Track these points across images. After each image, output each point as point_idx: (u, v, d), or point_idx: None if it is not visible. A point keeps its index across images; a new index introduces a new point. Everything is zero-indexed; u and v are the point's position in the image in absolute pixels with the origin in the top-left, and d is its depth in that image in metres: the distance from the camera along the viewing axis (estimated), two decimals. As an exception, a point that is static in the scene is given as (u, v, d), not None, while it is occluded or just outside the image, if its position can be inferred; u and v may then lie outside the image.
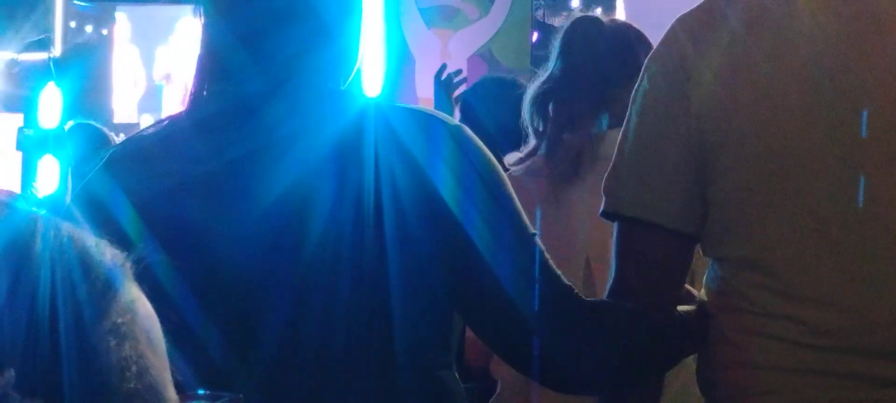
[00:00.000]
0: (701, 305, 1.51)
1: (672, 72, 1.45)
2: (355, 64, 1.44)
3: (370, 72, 7.39)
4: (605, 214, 1.51)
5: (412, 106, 1.42)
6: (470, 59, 7.47)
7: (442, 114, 1.41)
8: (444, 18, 7.52)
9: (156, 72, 9.90)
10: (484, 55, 7.49)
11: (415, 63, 7.45)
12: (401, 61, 7.42)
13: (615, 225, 1.51)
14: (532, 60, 7.57)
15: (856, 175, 1.34)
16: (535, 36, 8.17)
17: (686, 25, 1.48)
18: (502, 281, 1.34)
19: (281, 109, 1.34)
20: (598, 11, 11.34)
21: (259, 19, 1.36)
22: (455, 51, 7.49)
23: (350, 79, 1.44)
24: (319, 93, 1.38)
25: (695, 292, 1.54)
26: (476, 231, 1.32)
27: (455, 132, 1.37)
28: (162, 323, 0.67)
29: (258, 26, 1.36)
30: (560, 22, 11.21)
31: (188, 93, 1.40)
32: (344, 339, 1.30)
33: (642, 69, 1.50)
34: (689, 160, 1.43)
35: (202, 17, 1.39)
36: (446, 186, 1.32)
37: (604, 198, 1.51)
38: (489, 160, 1.38)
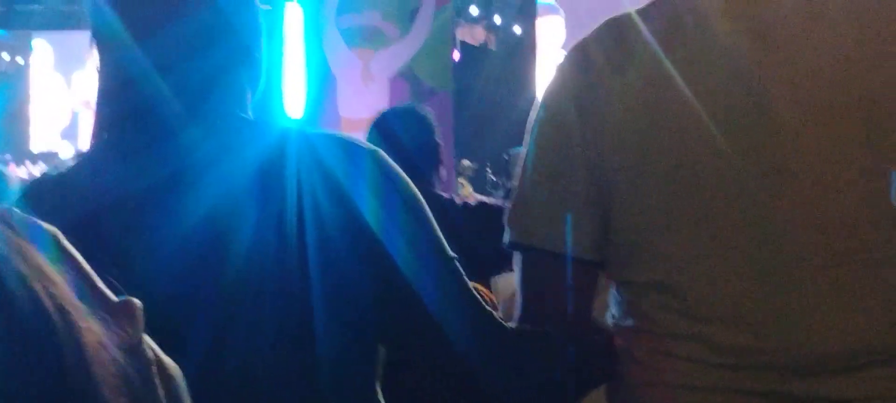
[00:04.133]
0: (610, 330, 1.51)
1: (569, 99, 1.45)
2: (264, 84, 1.44)
3: (292, 92, 7.37)
4: (510, 245, 1.50)
5: (330, 131, 1.41)
6: (392, 79, 7.49)
7: (360, 140, 1.41)
8: (365, 39, 7.52)
9: (73, 99, 9.78)
10: (406, 74, 7.50)
11: (336, 83, 7.44)
12: (322, 81, 7.41)
13: (519, 255, 1.50)
14: (453, 79, 7.61)
15: (758, 195, 1.35)
16: (456, 55, 8.22)
17: (583, 49, 1.48)
18: (428, 305, 1.34)
19: (200, 131, 1.33)
20: (517, 30, 11.45)
21: (177, 42, 1.35)
22: (376, 70, 7.50)
23: (261, 99, 1.44)
24: (237, 114, 1.38)
25: (601, 320, 1.54)
26: (400, 254, 1.32)
27: (375, 156, 1.38)
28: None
29: (176, 49, 1.35)
30: (478, 40, 11.25)
31: (100, 120, 1.38)
32: (267, 363, 1.29)
33: (542, 99, 1.50)
34: (590, 187, 1.43)
35: (107, 44, 1.37)
36: (369, 209, 1.32)
37: (507, 230, 1.50)
38: (409, 184, 1.39)
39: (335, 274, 1.30)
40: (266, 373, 1.29)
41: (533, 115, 1.50)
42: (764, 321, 1.36)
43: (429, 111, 3.47)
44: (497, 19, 11.07)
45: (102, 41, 1.37)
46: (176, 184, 1.31)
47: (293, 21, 7.48)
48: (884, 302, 1.35)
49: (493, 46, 11.33)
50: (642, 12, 1.47)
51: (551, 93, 1.49)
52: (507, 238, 1.50)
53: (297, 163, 1.32)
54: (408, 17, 7.52)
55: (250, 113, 1.42)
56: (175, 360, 1.28)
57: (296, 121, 7.29)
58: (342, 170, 1.33)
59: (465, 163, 9.68)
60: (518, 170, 1.52)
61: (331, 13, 7.51)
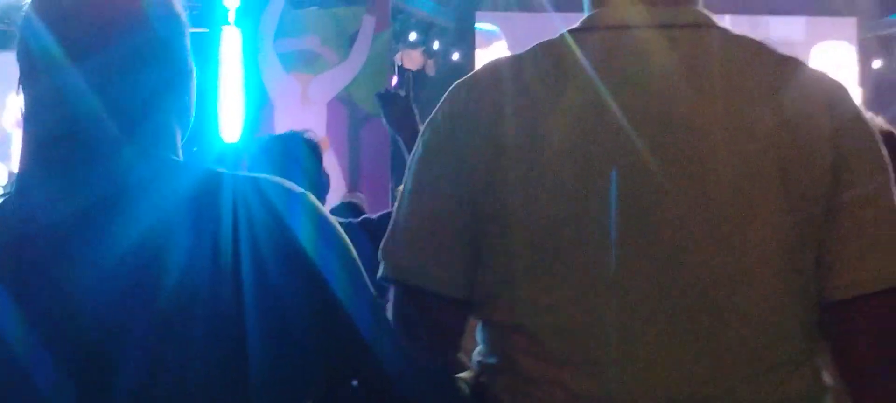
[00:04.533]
0: (475, 369, 1.53)
1: (445, 140, 1.48)
2: (196, 109, 1.45)
3: (228, 116, 7.32)
4: (383, 279, 1.51)
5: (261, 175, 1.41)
6: (329, 104, 7.48)
7: (291, 183, 1.41)
8: (303, 63, 7.51)
9: (6, 119, 9.63)
10: (343, 99, 7.50)
11: (274, 107, 7.41)
12: (259, 105, 7.38)
13: (392, 290, 1.51)
14: (391, 104, 7.61)
15: (614, 248, 1.38)
16: (394, 80, 8.22)
17: (460, 91, 1.51)
18: (356, 339, 1.35)
19: (132, 156, 1.33)
20: (455, 56, 11.48)
21: (111, 66, 1.34)
22: (314, 95, 7.49)
23: (197, 123, 1.44)
24: (169, 142, 1.37)
25: (465, 359, 1.56)
26: (328, 290, 1.33)
27: (304, 198, 1.38)
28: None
29: (110, 72, 1.34)
30: (416, 65, 11.28)
31: (30, 142, 1.36)
32: (198, 396, 1.29)
33: (419, 135, 1.53)
34: (464, 228, 1.45)
35: (40, 65, 1.35)
36: (298, 246, 1.33)
37: (381, 264, 1.51)
38: (336, 227, 1.40)
39: (267, 308, 1.30)
40: (199, 398, 1.28)
41: (415, 151, 1.53)
42: (615, 369, 1.39)
43: (319, 137, 3.51)
44: (436, 45, 11.11)
45: (35, 62, 1.36)
46: (107, 210, 1.30)
47: (231, 44, 7.45)
48: (730, 353, 1.38)
49: (431, 72, 11.37)
50: (513, 61, 1.51)
51: (430, 130, 1.52)
52: (380, 271, 1.51)
53: (231, 195, 1.32)
54: (346, 41, 7.52)
55: (181, 139, 1.42)
56: (108, 384, 1.27)
57: (232, 145, 7.25)
58: (273, 207, 1.33)
59: (401, 188, 9.67)
60: (396, 203, 1.54)
61: (269, 37, 7.49)
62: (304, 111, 7.44)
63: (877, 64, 12.14)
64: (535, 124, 1.42)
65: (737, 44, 1.47)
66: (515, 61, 1.51)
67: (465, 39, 11.53)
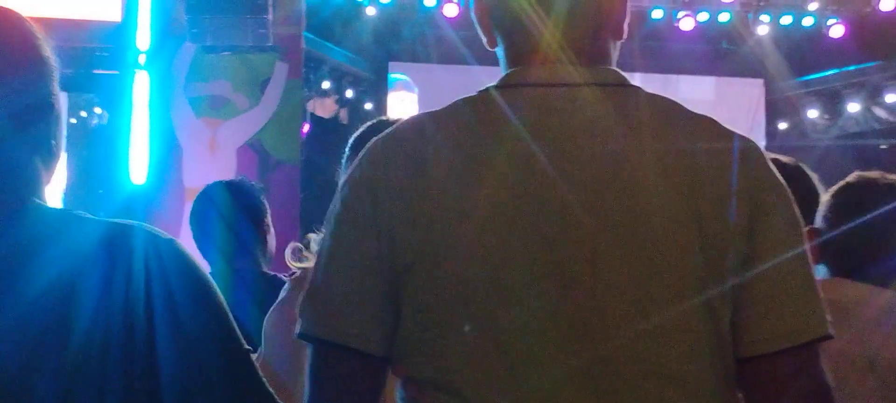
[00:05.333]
0: None
1: (363, 196, 1.47)
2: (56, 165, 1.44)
3: (136, 159, 7.23)
4: (301, 336, 1.50)
5: (126, 221, 1.40)
6: (239, 150, 7.42)
7: (157, 230, 1.40)
8: (213, 108, 7.45)
9: None
10: (254, 145, 7.45)
11: (182, 151, 7.33)
12: (168, 149, 7.29)
13: (309, 347, 1.50)
14: (302, 151, 7.59)
15: (531, 302, 1.39)
16: (306, 127, 8.20)
17: (378, 147, 1.51)
18: (217, 396, 1.36)
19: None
20: (369, 105, 11.47)
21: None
22: (224, 140, 7.43)
23: (106, 166, 1.44)
24: (32, 198, 1.36)
25: None
26: (190, 345, 1.34)
27: (171, 246, 1.38)
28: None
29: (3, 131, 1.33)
30: (329, 113, 11.25)
31: None
32: None
33: (338, 190, 1.53)
34: (380, 283, 1.46)
35: None
36: (160, 299, 1.32)
37: (299, 320, 1.50)
38: (202, 276, 1.40)
39: (127, 364, 1.29)
40: None
41: (332, 207, 1.52)
42: None
43: (258, 185, 3.44)
44: (349, 93, 11.11)
45: None
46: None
47: (140, 88, 7.37)
48: None
49: (344, 120, 11.36)
50: (434, 117, 1.52)
51: (348, 186, 1.51)
52: (298, 327, 1.50)
53: (94, 242, 1.32)
54: (258, 88, 7.49)
55: (46, 179, 1.41)
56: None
57: (139, 187, 7.15)
58: (135, 259, 1.33)
59: (311, 236, 9.62)
60: (315, 261, 1.53)
61: (180, 81, 7.43)
62: (214, 156, 7.38)
63: (783, 125, 12.47)
64: (459, 181, 1.43)
65: (655, 102, 1.50)
66: (437, 117, 1.51)
67: (379, 88, 11.56)
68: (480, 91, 1.52)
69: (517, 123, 1.45)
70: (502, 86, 1.51)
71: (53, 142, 1.41)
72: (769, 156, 1.52)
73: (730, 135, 1.49)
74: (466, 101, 1.51)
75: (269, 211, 3.36)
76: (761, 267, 1.42)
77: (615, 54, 1.57)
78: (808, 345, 1.43)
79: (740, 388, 1.47)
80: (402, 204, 1.44)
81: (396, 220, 1.44)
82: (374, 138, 1.53)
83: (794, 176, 2.19)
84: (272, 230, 3.38)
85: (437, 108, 1.52)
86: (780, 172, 1.49)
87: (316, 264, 1.51)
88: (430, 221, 1.42)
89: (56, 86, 1.41)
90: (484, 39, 1.60)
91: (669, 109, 1.50)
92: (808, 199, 2.27)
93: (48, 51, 1.41)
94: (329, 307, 1.47)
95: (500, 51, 1.58)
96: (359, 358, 1.46)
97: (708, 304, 1.41)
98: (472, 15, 1.61)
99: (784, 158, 2.28)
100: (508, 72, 1.54)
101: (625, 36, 1.58)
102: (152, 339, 1.31)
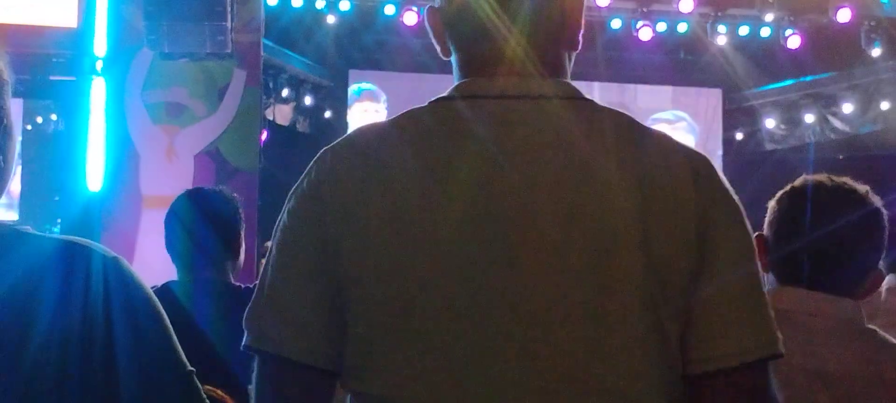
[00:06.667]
0: None
1: (308, 209, 1.46)
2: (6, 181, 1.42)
3: (92, 167, 7.16)
4: (246, 348, 1.48)
5: (69, 237, 1.38)
6: (197, 157, 7.37)
7: (102, 247, 1.39)
8: (170, 115, 7.39)
9: None
10: (211, 153, 7.40)
11: (139, 158, 7.27)
12: (124, 156, 7.23)
13: (255, 360, 1.49)
14: (260, 159, 7.55)
15: (479, 314, 1.38)
16: (264, 135, 8.15)
17: (327, 158, 1.49)
18: None
19: None
20: (328, 114, 11.44)
21: None
22: (181, 148, 7.37)
23: (62, 174, 1.43)
24: None
25: None
26: (131, 366, 1.32)
27: (116, 264, 1.37)
28: None
29: None
30: (288, 121, 11.23)
31: None
32: None
33: (286, 202, 1.51)
34: (326, 296, 1.44)
35: None
36: (102, 318, 1.31)
37: (245, 333, 1.48)
38: (147, 294, 1.39)
39: (69, 385, 1.28)
40: None
41: (280, 218, 1.50)
42: None
43: (236, 197, 3.37)
44: (308, 101, 11.08)
45: None
46: None
47: (97, 95, 7.30)
48: None
49: (303, 128, 11.33)
50: (384, 127, 1.51)
51: (295, 198, 1.50)
52: (244, 340, 1.48)
53: (47, 268, 1.31)
54: (216, 95, 7.44)
55: None
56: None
57: (95, 194, 7.08)
58: (76, 277, 1.31)
59: (268, 245, 9.59)
60: (261, 272, 1.51)
61: (136, 88, 7.36)
62: (171, 163, 7.32)
63: (740, 135, 12.57)
64: (407, 193, 1.41)
65: (610, 115, 1.49)
66: (386, 128, 1.50)
67: (339, 96, 11.54)
68: (437, 99, 1.51)
69: (481, 135, 1.44)
70: (459, 97, 1.50)
71: (1, 157, 1.38)
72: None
73: (682, 150, 1.49)
74: (424, 110, 1.50)
75: (243, 223, 3.29)
76: (711, 285, 1.42)
77: (570, 66, 1.57)
78: (758, 363, 1.42)
79: None
80: (347, 219, 1.42)
81: (341, 235, 1.42)
82: (325, 147, 1.52)
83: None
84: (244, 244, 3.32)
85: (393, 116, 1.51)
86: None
87: (261, 276, 1.49)
88: (374, 235, 1.41)
89: (7, 101, 1.39)
90: (438, 48, 1.59)
91: (625, 124, 1.49)
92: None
93: (1, 64, 1.38)
94: (274, 319, 1.46)
95: (454, 59, 1.57)
96: (305, 372, 1.45)
97: (656, 321, 1.40)
98: (426, 23, 1.60)
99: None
100: (467, 80, 1.53)
101: (579, 48, 1.58)
102: (112, 357, 1.29)
